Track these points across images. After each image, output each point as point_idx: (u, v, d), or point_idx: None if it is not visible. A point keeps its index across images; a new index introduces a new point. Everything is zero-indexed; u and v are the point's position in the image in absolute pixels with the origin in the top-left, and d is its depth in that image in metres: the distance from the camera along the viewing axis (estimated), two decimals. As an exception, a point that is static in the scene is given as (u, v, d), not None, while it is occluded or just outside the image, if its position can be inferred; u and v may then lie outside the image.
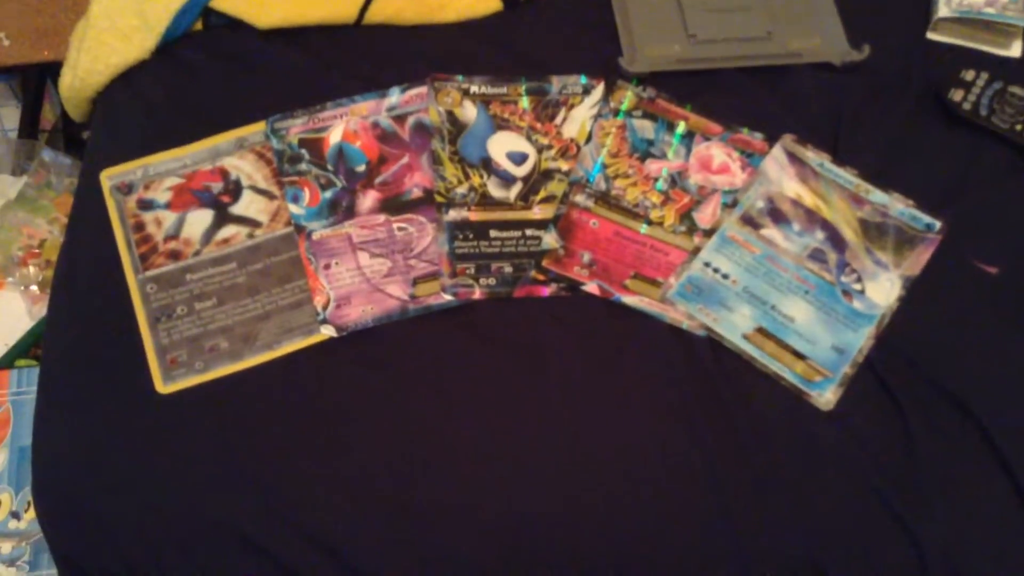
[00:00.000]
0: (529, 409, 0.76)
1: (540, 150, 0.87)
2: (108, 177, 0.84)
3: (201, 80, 0.90)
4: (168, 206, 0.82)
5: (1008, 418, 0.75)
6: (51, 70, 1.29)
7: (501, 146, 0.87)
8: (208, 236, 0.81)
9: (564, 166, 0.86)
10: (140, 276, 0.79)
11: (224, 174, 0.84)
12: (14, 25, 1.18)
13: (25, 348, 1.02)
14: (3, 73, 1.27)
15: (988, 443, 0.74)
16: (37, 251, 1.08)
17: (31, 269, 1.07)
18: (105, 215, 0.83)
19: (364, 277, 0.80)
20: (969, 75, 0.91)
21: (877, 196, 0.85)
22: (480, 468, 0.74)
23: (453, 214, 0.83)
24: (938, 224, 0.84)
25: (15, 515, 0.82)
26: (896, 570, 0.69)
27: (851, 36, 0.94)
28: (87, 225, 0.83)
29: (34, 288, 1.06)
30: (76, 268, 0.81)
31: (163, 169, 0.84)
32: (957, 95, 0.90)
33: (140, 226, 0.81)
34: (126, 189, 0.83)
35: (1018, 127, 0.88)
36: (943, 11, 0.95)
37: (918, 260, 0.82)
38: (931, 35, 0.97)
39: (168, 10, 0.90)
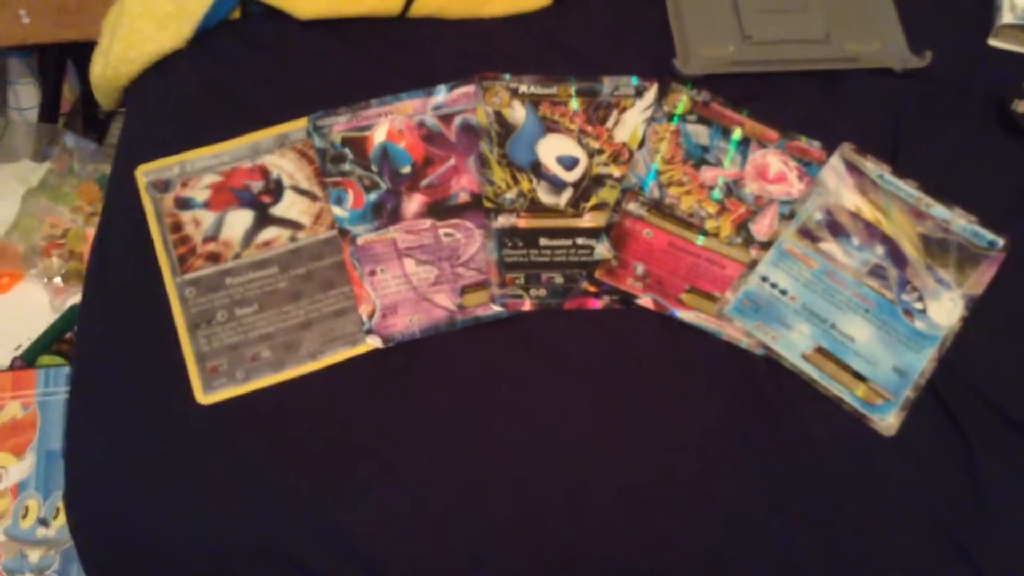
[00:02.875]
0: (581, 427, 0.73)
1: (591, 154, 0.84)
2: (144, 173, 0.80)
3: (239, 71, 0.86)
4: (207, 205, 0.79)
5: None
6: (71, 50, 1.26)
7: (551, 150, 0.83)
8: (249, 238, 0.78)
9: (616, 172, 0.83)
10: (179, 279, 0.76)
11: (265, 173, 0.81)
12: (35, 1, 1.13)
13: (48, 343, 0.99)
14: (19, 50, 1.22)
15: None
16: (61, 241, 1.05)
17: (54, 260, 1.03)
18: (140, 213, 0.79)
19: (411, 285, 0.77)
20: (1034, 85, 0.88)
21: (939, 211, 0.82)
22: (529, 485, 0.71)
23: (502, 220, 0.80)
24: (1001, 241, 0.81)
25: (43, 522, 0.80)
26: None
27: (911, 41, 0.91)
28: (120, 222, 0.80)
29: (57, 280, 1.02)
30: (109, 268, 0.78)
31: (201, 166, 0.81)
32: (1022, 107, 0.87)
33: (178, 226, 0.78)
34: (162, 186, 0.80)
35: (1085, 141, 0.85)
36: (1007, 17, 0.91)
37: (981, 279, 0.80)
38: (993, 42, 0.93)
39: (205, -3, 0.86)
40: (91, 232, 1.05)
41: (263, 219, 0.79)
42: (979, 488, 0.72)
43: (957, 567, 0.69)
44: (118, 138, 0.86)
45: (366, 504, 0.70)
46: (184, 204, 0.79)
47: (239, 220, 0.79)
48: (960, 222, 0.82)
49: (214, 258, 0.77)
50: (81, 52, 1.24)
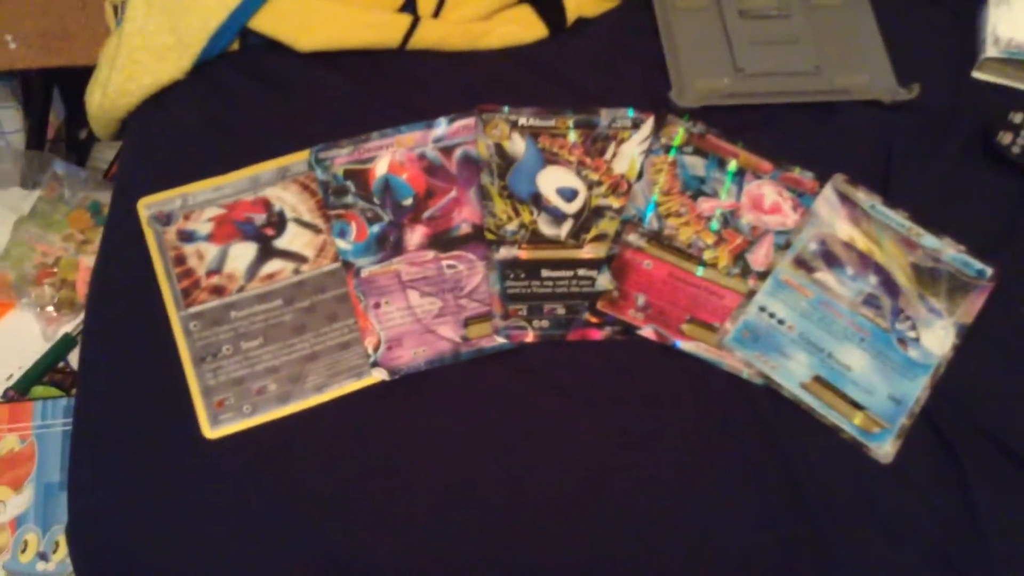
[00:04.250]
0: (586, 458, 0.74)
1: (590, 186, 0.85)
2: (146, 206, 0.80)
3: (239, 103, 0.87)
4: (210, 238, 0.79)
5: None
6: (57, 75, 1.25)
7: (551, 181, 0.85)
8: (252, 271, 0.78)
9: (615, 203, 0.84)
10: (183, 313, 0.76)
11: (267, 205, 0.81)
12: (20, 26, 1.13)
13: (41, 373, 0.99)
14: (1, 75, 1.22)
15: (1047, 497, 0.74)
16: (52, 269, 1.04)
17: (46, 289, 1.03)
18: (141, 246, 0.79)
19: (415, 317, 0.78)
20: (1017, 117, 0.90)
21: (929, 240, 0.84)
22: (535, 517, 0.72)
23: (504, 252, 0.81)
24: (990, 271, 0.83)
25: (43, 556, 0.79)
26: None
27: (899, 74, 0.93)
28: (121, 256, 0.80)
29: (50, 309, 1.02)
30: (112, 301, 0.78)
31: (203, 198, 0.81)
32: (1006, 138, 0.89)
33: (181, 259, 0.78)
34: (164, 219, 0.80)
35: (1067, 173, 0.88)
36: (991, 51, 0.94)
37: (971, 307, 0.82)
38: (977, 74, 0.96)
39: (205, 29, 0.86)
40: (83, 260, 1.05)
41: (267, 252, 0.79)
42: (975, 516, 0.73)
43: (955, 593, 0.71)
44: (115, 168, 0.86)
45: (376, 537, 0.71)
46: (187, 237, 0.79)
47: (243, 253, 0.79)
48: (950, 251, 0.84)
49: (218, 291, 0.77)
50: (66, 76, 1.24)
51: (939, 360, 0.79)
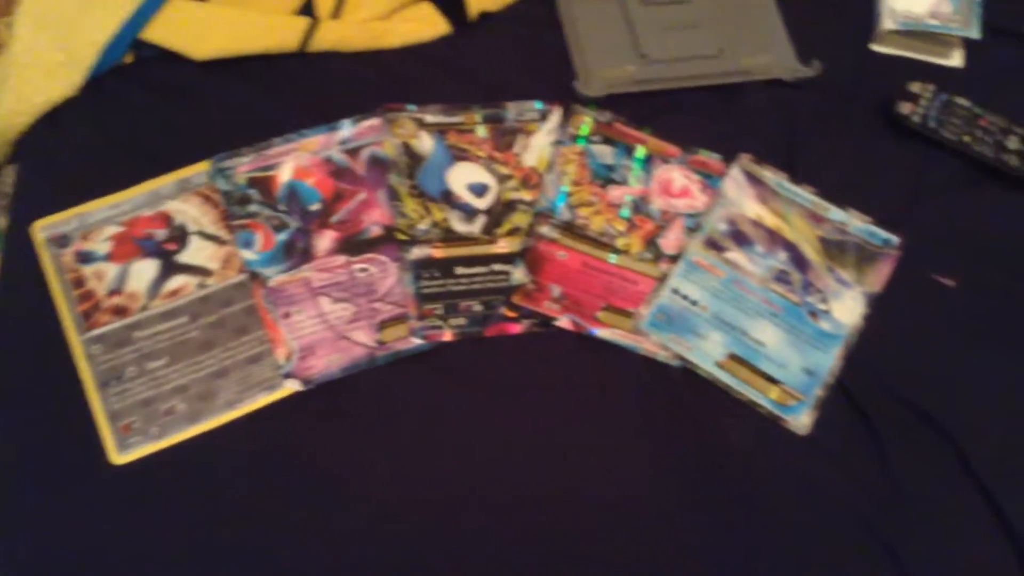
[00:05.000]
0: (510, 451, 0.74)
1: (501, 180, 0.84)
2: (41, 229, 0.78)
3: (136, 117, 0.84)
4: (109, 257, 0.77)
5: (975, 429, 0.77)
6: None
7: (461, 178, 0.84)
8: (155, 289, 0.76)
9: (527, 196, 0.84)
10: (84, 337, 0.74)
11: (168, 220, 0.79)
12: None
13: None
14: None
15: (960, 457, 0.75)
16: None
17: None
18: (39, 271, 0.77)
19: (327, 324, 0.76)
20: (916, 87, 0.92)
21: (835, 214, 0.86)
22: (460, 511, 0.71)
23: (416, 252, 0.80)
24: (896, 239, 0.85)
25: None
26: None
27: (799, 52, 0.94)
28: (20, 283, 0.77)
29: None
30: (11, 331, 0.75)
31: (100, 217, 0.78)
32: (906, 108, 0.91)
33: (80, 281, 0.76)
34: (61, 241, 0.77)
35: (966, 138, 0.90)
36: (887, 23, 0.96)
37: (879, 276, 0.83)
38: (875, 47, 0.98)
39: (95, 43, 0.84)
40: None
41: (169, 268, 0.77)
42: (892, 478, 0.75)
43: (878, 559, 0.72)
44: (13, 193, 0.83)
45: (301, 549, 0.69)
46: (85, 258, 0.77)
47: (144, 271, 0.77)
48: (856, 223, 0.85)
49: (120, 312, 0.75)
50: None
51: (850, 330, 0.81)
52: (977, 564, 0.72)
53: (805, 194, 0.86)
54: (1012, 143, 0.90)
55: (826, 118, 0.92)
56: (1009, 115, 0.91)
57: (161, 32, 0.85)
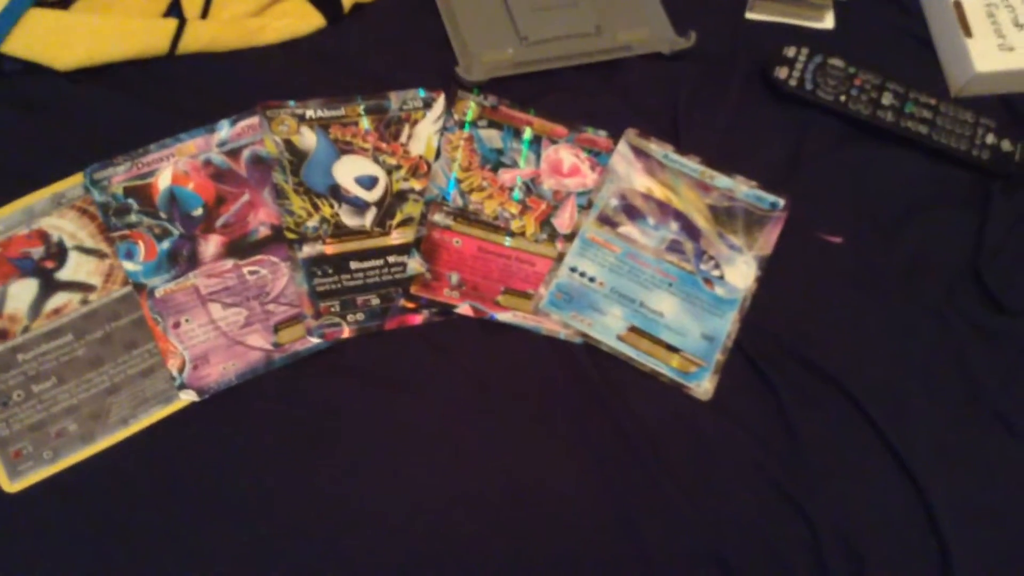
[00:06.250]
0: (417, 443, 0.73)
1: (389, 171, 0.84)
2: (-96, 257, 0.74)
3: (2, 134, 0.81)
4: (-17, 281, 0.73)
5: (870, 381, 0.79)
6: None
7: (348, 171, 0.83)
8: (36, 309, 0.73)
9: (417, 185, 0.83)
10: (-38, 365, 0.70)
11: (44, 237, 0.76)
12: None
13: None
14: None
15: (858, 408, 0.78)
16: None
17: None
18: (-93, 300, 0.73)
19: (220, 331, 0.74)
20: (791, 52, 0.95)
21: (722, 181, 0.88)
22: (374, 515, 0.71)
23: (307, 250, 0.79)
24: (782, 201, 0.87)
25: None
26: (792, 550, 0.72)
27: (676, 24, 0.96)
28: None
29: None
30: None
31: (-30, 240, 0.75)
32: (782, 72, 0.94)
33: (-47, 309, 0.72)
34: (-72, 268, 0.73)
35: (842, 98, 0.93)
36: (758, -9, 0.98)
37: (768, 239, 0.85)
38: (749, 15, 1.00)
39: (-50, 59, 0.80)
40: None
41: (49, 286, 0.74)
42: (793, 436, 0.77)
43: (787, 516, 0.74)
44: None
45: (206, 565, 0.68)
46: (-44, 284, 0.73)
47: (23, 291, 0.74)
48: (743, 188, 0.87)
49: (1, 335, 0.72)
50: None
51: (744, 294, 0.83)
52: (877, 504, 0.75)
53: (691, 164, 0.88)
54: (886, 99, 0.93)
55: (706, 87, 0.93)
56: (882, 72, 0.94)
57: (20, 44, 0.82)
